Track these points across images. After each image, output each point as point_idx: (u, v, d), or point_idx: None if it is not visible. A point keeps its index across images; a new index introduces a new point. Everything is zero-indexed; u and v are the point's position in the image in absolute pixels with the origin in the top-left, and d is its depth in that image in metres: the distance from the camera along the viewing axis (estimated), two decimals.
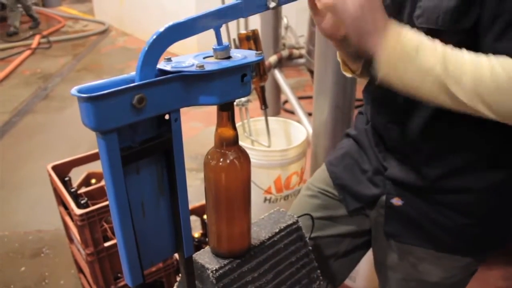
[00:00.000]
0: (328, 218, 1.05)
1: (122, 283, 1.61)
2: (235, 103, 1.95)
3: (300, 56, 2.91)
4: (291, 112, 3.20)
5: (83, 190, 1.71)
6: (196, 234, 1.94)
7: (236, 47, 1.85)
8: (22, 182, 2.78)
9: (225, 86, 0.59)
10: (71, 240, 1.77)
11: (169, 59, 0.59)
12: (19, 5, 6.33)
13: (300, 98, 2.72)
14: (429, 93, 0.71)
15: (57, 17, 7.28)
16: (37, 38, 5.76)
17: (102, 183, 1.78)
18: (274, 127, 2.18)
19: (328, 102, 1.84)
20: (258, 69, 1.69)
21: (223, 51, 0.61)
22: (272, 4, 0.68)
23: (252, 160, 0.73)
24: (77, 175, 1.80)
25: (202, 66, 0.56)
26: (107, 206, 1.41)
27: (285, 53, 2.86)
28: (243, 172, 0.71)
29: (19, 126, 3.59)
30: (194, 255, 0.74)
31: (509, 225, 0.94)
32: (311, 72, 2.66)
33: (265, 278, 0.78)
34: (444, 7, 0.74)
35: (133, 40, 6.07)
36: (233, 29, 2.36)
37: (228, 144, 0.70)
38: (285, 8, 2.64)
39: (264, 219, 0.88)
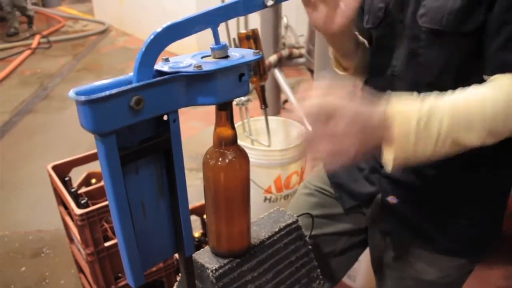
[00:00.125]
0: (325, 216, 1.05)
1: (122, 283, 1.61)
2: (234, 102, 1.94)
3: (300, 56, 2.91)
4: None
5: (83, 190, 1.71)
6: (196, 233, 1.94)
7: (236, 47, 1.85)
8: (22, 182, 2.78)
9: (223, 86, 0.59)
10: (71, 240, 1.77)
11: (166, 60, 0.59)
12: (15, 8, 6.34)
13: None
14: (445, 154, 0.70)
15: (57, 17, 7.28)
16: (37, 38, 5.76)
17: (102, 183, 1.78)
18: (274, 127, 2.17)
19: None
20: (258, 69, 1.69)
21: (220, 51, 0.60)
22: (270, 2, 0.68)
23: (252, 159, 0.73)
24: (77, 175, 1.80)
25: (200, 66, 0.56)
26: (107, 206, 1.41)
27: (285, 52, 2.86)
28: (242, 172, 0.71)
29: (19, 126, 3.59)
30: (193, 255, 0.74)
31: (502, 225, 0.95)
32: (311, 71, 2.66)
33: (265, 277, 0.78)
34: (449, 7, 0.74)
35: (133, 40, 6.07)
36: (233, 28, 2.36)
37: (227, 143, 0.70)
38: (285, 8, 2.64)
39: (263, 218, 0.88)
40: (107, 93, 0.48)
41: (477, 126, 0.69)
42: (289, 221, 0.86)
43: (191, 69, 0.56)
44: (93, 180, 1.86)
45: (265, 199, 2.01)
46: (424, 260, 0.95)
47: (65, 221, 1.71)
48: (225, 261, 0.75)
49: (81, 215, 1.40)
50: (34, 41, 5.68)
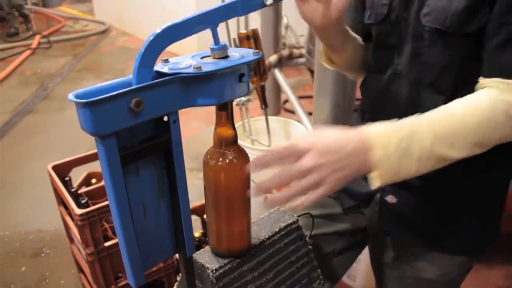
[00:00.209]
0: (324, 217, 1.05)
1: (122, 283, 1.61)
2: (235, 102, 1.94)
3: (300, 56, 2.91)
4: (292, 112, 3.20)
5: (83, 190, 1.71)
6: (197, 233, 1.94)
7: (236, 47, 1.85)
8: (23, 182, 2.78)
9: (223, 87, 0.59)
10: (71, 240, 1.77)
11: (166, 60, 0.59)
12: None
13: (300, 97, 2.72)
14: (432, 169, 0.72)
15: (57, 17, 7.28)
16: (37, 38, 5.76)
17: (102, 182, 1.78)
18: (274, 127, 2.17)
19: (329, 102, 1.84)
20: (258, 69, 1.69)
21: (220, 51, 0.60)
22: (269, 1, 0.68)
23: (252, 159, 0.73)
24: (77, 175, 1.80)
25: (200, 67, 0.55)
26: (107, 205, 1.41)
27: (285, 52, 2.86)
28: (242, 172, 0.71)
29: (20, 126, 3.59)
30: (194, 255, 0.74)
31: (500, 223, 0.95)
32: (311, 71, 2.66)
33: (265, 278, 0.78)
34: (453, 8, 0.74)
35: (133, 40, 6.07)
36: (233, 28, 2.36)
37: (227, 143, 0.70)
38: (285, 8, 2.64)
39: (264, 218, 0.88)
40: (107, 95, 0.48)
41: (460, 141, 0.70)
42: (289, 221, 0.86)
43: (190, 70, 0.56)
44: (93, 180, 1.86)
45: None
46: (424, 259, 0.95)
47: (65, 221, 1.71)
48: (225, 261, 0.75)
49: (81, 215, 1.40)
50: (34, 41, 5.68)
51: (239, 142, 0.73)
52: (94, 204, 1.50)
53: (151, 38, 0.53)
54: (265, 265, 0.79)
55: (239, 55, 0.61)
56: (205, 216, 1.90)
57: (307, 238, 0.87)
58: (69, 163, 1.72)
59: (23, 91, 4.32)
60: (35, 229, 2.35)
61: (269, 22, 2.80)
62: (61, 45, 5.88)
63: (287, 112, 3.50)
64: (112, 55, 5.54)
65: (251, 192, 0.67)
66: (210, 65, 0.57)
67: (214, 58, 0.60)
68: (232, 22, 3.59)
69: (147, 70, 0.54)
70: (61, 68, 4.98)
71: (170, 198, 0.63)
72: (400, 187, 0.92)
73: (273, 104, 3.07)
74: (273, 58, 2.78)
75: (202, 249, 0.78)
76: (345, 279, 1.92)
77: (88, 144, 2.96)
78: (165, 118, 0.57)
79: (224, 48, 0.60)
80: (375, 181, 0.69)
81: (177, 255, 0.69)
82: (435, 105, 0.73)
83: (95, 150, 0.53)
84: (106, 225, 1.70)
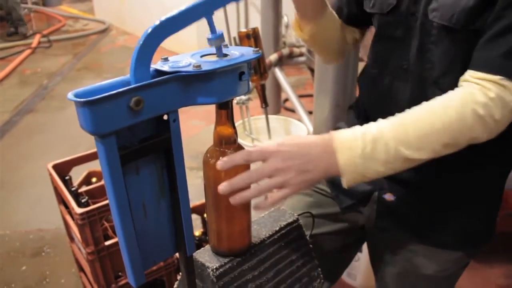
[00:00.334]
0: (322, 216, 1.05)
1: (123, 282, 1.61)
2: (235, 101, 1.94)
3: (301, 55, 2.91)
4: (292, 111, 3.20)
5: (83, 189, 1.71)
6: (197, 232, 1.94)
7: (237, 45, 1.85)
8: (23, 181, 2.78)
9: (223, 85, 0.59)
10: (71, 239, 1.77)
11: (166, 59, 0.58)
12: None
13: (300, 96, 2.71)
14: (402, 169, 0.74)
15: (57, 16, 7.27)
16: (37, 38, 5.75)
17: (103, 182, 1.78)
18: (274, 126, 2.17)
19: (329, 101, 1.84)
20: (259, 67, 1.69)
21: (217, 40, 0.59)
22: None
23: None
24: (77, 174, 1.80)
25: (199, 65, 0.55)
26: (107, 204, 1.41)
27: (285, 51, 2.85)
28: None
29: (20, 125, 3.59)
30: (194, 254, 0.74)
31: (496, 219, 0.96)
32: (312, 70, 2.65)
33: (265, 277, 0.78)
34: (462, 5, 0.73)
35: (133, 39, 6.06)
36: (234, 27, 2.36)
37: (227, 142, 0.70)
38: (286, 7, 2.64)
39: (264, 217, 0.88)
40: (106, 94, 0.48)
41: (426, 144, 0.71)
42: (290, 220, 0.86)
43: (190, 68, 0.55)
44: (94, 179, 1.86)
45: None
46: (423, 255, 0.96)
47: (65, 220, 1.71)
48: (226, 260, 0.75)
49: (82, 214, 1.40)
50: (35, 41, 5.67)
51: (239, 141, 0.73)
52: (94, 203, 1.50)
53: (147, 33, 0.53)
54: (266, 264, 0.79)
55: (239, 53, 0.61)
56: (205, 215, 1.90)
57: (307, 237, 0.87)
58: (69, 162, 1.72)
59: (23, 90, 4.32)
60: (35, 228, 2.35)
61: (269, 21, 2.80)
62: (61, 44, 5.87)
63: (287, 111, 3.50)
64: (112, 54, 5.54)
65: (220, 189, 0.69)
66: (210, 63, 0.57)
67: (211, 46, 0.59)
68: (232, 21, 3.59)
69: (145, 67, 0.53)
70: (61, 67, 4.98)
71: (170, 197, 0.63)
72: (398, 185, 0.92)
73: (274, 103, 3.07)
74: (273, 57, 2.78)
75: (202, 248, 0.78)
76: (345, 278, 1.92)
77: (88, 143, 2.96)
78: (165, 117, 0.57)
79: (221, 36, 0.59)
80: (343, 182, 0.73)
81: (177, 254, 0.69)
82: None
83: (95, 149, 0.53)
84: (106, 224, 1.70)
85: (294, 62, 2.98)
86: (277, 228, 0.83)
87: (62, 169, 1.69)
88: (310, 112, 2.17)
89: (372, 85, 0.95)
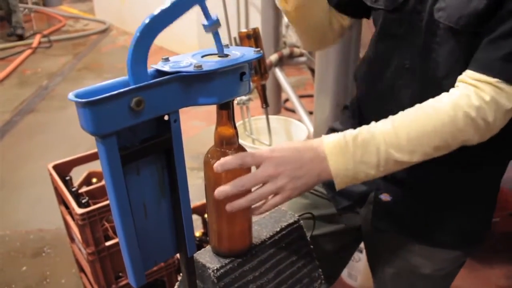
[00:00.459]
0: (318, 218, 1.05)
1: (123, 282, 1.61)
2: (235, 101, 1.94)
3: (301, 55, 2.91)
4: (292, 111, 3.19)
5: (84, 189, 1.71)
6: (197, 233, 1.94)
7: (237, 46, 1.85)
8: (23, 182, 2.78)
9: (224, 85, 0.58)
10: (72, 239, 1.77)
11: (166, 59, 0.58)
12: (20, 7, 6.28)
13: (301, 96, 2.72)
14: (394, 171, 0.75)
15: (58, 16, 7.27)
16: (37, 38, 5.75)
17: (103, 182, 1.78)
18: (275, 126, 2.17)
19: (329, 101, 1.84)
20: (259, 68, 1.69)
21: (213, 26, 0.58)
22: None
23: None
24: (78, 174, 1.80)
25: (200, 66, 0.55)
26: (108, 205, 1.41)
27: (286, 51, 2.86)
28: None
29: (20, 125, 3.59)
30: (195, 255, 0.73)
31: (492, 217, 0.96)
32: (312, 70, 2.65)
33: (266, 277, 0.78)
34: (471, 8, 0.72)
35: None
36: (234, 27, 2.36)
37: (228, 142, 0.70)
38: None
39: (265, 218, 0.88)
40: (107, 95, 0.48)
41: (417, 147, 0.71)
42: (291, 221, 0.86)
43: (191, 68, 0.55)
44: (94, 180, 1.86)
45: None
46: (420, 255, 0.96)
47: (66, 221, 1.71)
48: (226, 261, 0.75)
49: (82, 214, 1.40)
50: (35, 41, 5.67)
51: (240, 141, 0.72)
52: (94, 203, 1.50)
53: (147, 20, 0.51)
54: (266, 265, 0.79)
55: (240, 53, 0.61)
56: (206, 215, 1.90)
57: (308, 238, 0.87)
58: (69, 162, 1.72)
59: (24, 90, 4.32)
60: (35, 229, 2.35)
61: (270, 21, 2.80)
62: (62, 44, 5.87)
63: (287, 111, 3.50)
64: (113, 54, 5.53)
65: (215, 194, 0.69)
66: (211, 63, 0.57)
67: (207, 32, 0.58)
68: (233, 21, 3.59)
69: (141, 65, 0.52)
70: (62, 67, 4.98)
71: (171, 198, 0.63)
72: (394, 185, 0.92)
73: (274, 103, 3.07)
74: (273, 57, 2.78)
75: (203, 249, 0.78)
76: (346, 278, 1.92)
77: (89, 144, 2.96)
78: (166, 117, 0.57)
79: (217, 22, 0.58)
80: (336, 186, 0.74)
81: (178, 255, 0.69)
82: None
83: (96, 150, 0.53)
84: (107, 225, 1.69)
85: (294, 62, 2.98)
86: (278, 229, 0.83)
87: (63, 170, 1.69)
88: (311, 112, 2.17)
89: (371, 84, 0.94)
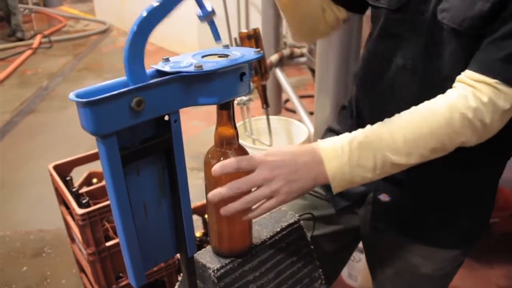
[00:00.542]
0: (317, 218, 1.05)
1: (123, 283, 1.61)
2: (236, 102, 1.94)
3: (301, 55, 2.91)
4: (293, 111, 3.20)
5: (84, 189, 1.71)
6: (198, 233, 1.94)
7: (237, 46, 1.85)
8: (24, 182, 2.78)
9: (224, 86, 0.58)
10: (72, 239, 1.77)
11: (167, 59, 0.58)
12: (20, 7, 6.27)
13: (301, 97, 2.72)
14: (390, 173, 0.75)
15: (58, 16, 7.27)
16: (38, 38, 5.76)
17: (103, 182, 1.78)
18: (275, 126, 2.17)
19: (330, 101, 1.84)
20: (259, 68, 1.69)
21: (208, 16, 0.58)
22: None
23: None
24: (78, 175, 1.80)
25: (201, 66, 0.55)
26: (108, 205, 1.41)
27: (286, 52, 2.86)
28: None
29: (21, 126, 3.59)
30: (195, 255, 0.73)
31: (490, 216, 0.96)
32: (312, 71, 2.65)
33: (266, 277, 0.78)
34: (475, 10, 0.71)
35: None
36: (234, 28, 2.36)
37: (228, 143, 0.70)
38: None
39: (265, 218, 0.87)
40: (108, 95, 0.48)
41: (413, 150, 0.71)
42: (291, 221, 0.86)
43: (191, 69, 0.55)
44: (94, 180, 1.86)
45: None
46: (419, 255, 0.96)
47: (66, 221, 1.71)
48: (227, 261, 0.75)
49: (82, 214, 1.40)
50: (35, 41, 5.68)
51: (240, 141, 0.73)
52: (95, 204, 1.50)
53: (145, 13, 0.51)
54: (267, 265, 0.79)
55: (240, 54, 0.61)
56: (206, 216, 1.90)
57: (308, 238, 0.87)
58: (70, 162, 1.72)
59: (24, 90, 4.32)
60: (36, 229, 2.35)
61: (270, 21, 2.80)
62: (62, 44, 5.87)
63: (288, 112, 3.50)
64: (113, 55, 5.53)
65: (209, 197, 0.70)
66: (211, 64, 0.57)
67: (201, 22, 0.58)
68: (233, 21, 3.59)
69: (138, 63, 0.52)
70: (62, 67, 4.98)
71: (171, 198, 0.63)
72: (393, 185, 0.92)
73: (274, 104, 3.07)
74: (274, 58, 2.78)
75: (203, 249, 0.78)
76: (346, 279, 1.92)
77: (89, 144, 2.96)
78: (166, 118, 0.57)
79: (212, 12, 0.57)
80: (333, 190, 0.74)
81: (178, 255, 0.69)
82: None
83: (96, 150, 0.53)
84: (107, 225, 1.70)
85: (294, 63, 2.98)
86: (278, 229, 0.83)
87: (63, 170, 1.69)
88: (311, 113, 2.17)
89: (371, 84, 0.93)
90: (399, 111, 0.74)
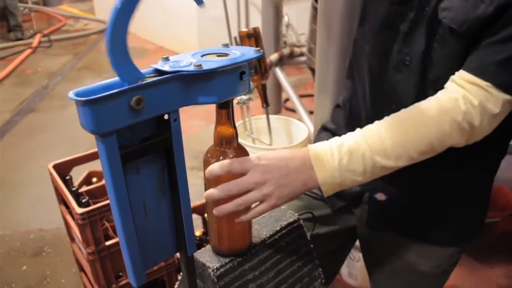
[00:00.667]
0: (312, 219, 1.04)
1: (123, 282, 1.61)
2: (236, 101, 1.94)
3: (301, 54, 2.91)
4: (293, 110, 3.19)
5: (84, 189, 1.70)
6: (197, 232, 1.94)
7: (237, 45, 1.85)
8: (23, 181, 2.78)
9: (224, 85, 0.58)
10: (72, 239, 1.77)
11: (166, 58, 0.58)
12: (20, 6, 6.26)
13: (301, 96, 2.71)
14: (381, 175, 0.76)
15: (58, 16, 7.27)
16: (37, 37, 5.75)
17: (103, 181, 1.78)
18: (275, 126, 2.17)
19: (330, 100, 1.83)
20: (259, 67, 1.69)
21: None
22: None
23: None
24: (78, 174, 1.80)
25: (200, 65, 0.55)
26: (108, 204, 1.41)
27: (286, 51, 2.85)
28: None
29: (20, 125, 3.59)
30: (195, 254, 0.73)
31: (486, 214, 0.97)
32: (312, 70, 2.65)
33: (266, 277, 0.78)
34: (477, 14, 0.71)
35: (134, 39, 6.05)
36: (234, 27, 2.36)
37: (228, 142, 0.70)
38: (286, 7, 2.64)
39: (265, 217, 0.88)
40: (107, 93, 0.48)
41: (402, 153, 0.72)
42: (291, 220, 0.86)
43: (191, 68, 0.55)
44: (94, 179, 1.86)
45: None
46: (416, 253, 0.97)
47: (66, 220, 1.71)
48: (226, 260, 0.75)
49: (82, 214, 1.40)
50: (35, 40, 5.67)
51: (240, 141, 0.72)
52: (94, 203, 1.50)
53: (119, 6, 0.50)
54: (266, 264, 0.79)
55: (240, 53, 0.61)
56: (205, 215, 1.90)
57: (308, 237, 0.87)
58: (69, 162, 1.72)
59: (24, 90, 4.32)
60: (36, 228, 2.35)
61: (270, 20, 2.79)
62: (62, 44, 5.87)
63: (288, 111, 3.50)
64: None
65: (204, 196, 0.70)
66: (211, 63, 0.57)
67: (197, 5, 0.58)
68: (233, 21, 3.59)
69: (123, 56, 0.51)
70: (62, 66, 4.97)
71: (171, 197, 0.63)
72: (389, 184, 0.92)
73: (274, 103, 3.07)
74: (274, 57, 2.78)
75: (203, 248, 0.78)
76: (346, 278, 1.92)
77: (89, 143, 2.96)
78: (166, 117, 0.57)
79: (202, 2, 0.57)
80: (324, 193, 0.75)
81: (178, 254, 0.69)
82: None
83: (96, 149, 0.53)
84: (107, 224, 1.69)
85: (294, 62, 2.98)
86: (278, 228, 0.83)
87: (63, 169, 1.69)
88: (311, 112, 2.17)
89: (370, 80, 0.91)
90: (398, 108, 0.75)
